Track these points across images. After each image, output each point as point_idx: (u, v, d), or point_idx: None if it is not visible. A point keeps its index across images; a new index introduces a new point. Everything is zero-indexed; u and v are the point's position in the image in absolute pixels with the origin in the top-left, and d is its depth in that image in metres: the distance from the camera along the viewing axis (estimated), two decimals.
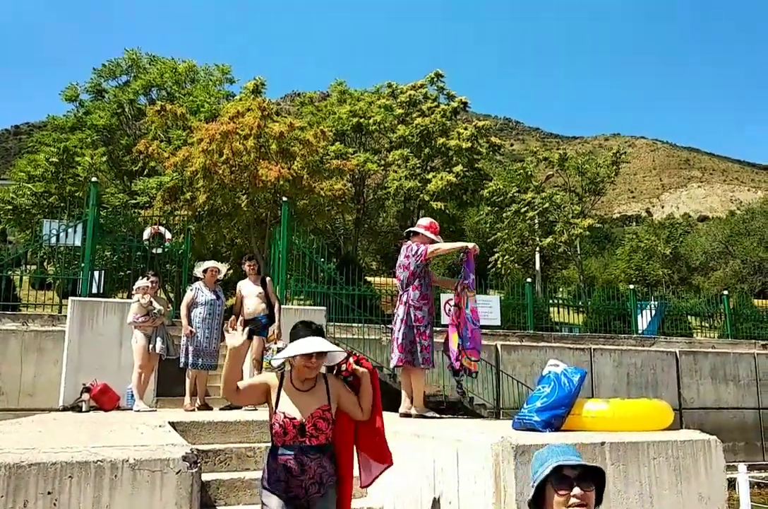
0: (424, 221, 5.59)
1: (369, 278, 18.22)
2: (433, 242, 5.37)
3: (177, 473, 2.53)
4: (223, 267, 7.77)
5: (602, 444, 2.88)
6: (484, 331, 13.98)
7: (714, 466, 3.07)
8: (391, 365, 5.59)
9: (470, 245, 5.16)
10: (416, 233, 5.45)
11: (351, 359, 3.16)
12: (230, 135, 15.71)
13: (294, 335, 3.02)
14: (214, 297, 7.43)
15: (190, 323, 7.25)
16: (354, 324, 12.44)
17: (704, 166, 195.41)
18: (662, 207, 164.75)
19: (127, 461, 2.51)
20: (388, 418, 5.30)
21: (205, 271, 7.51)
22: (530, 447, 2.78)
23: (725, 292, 17.91)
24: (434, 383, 12.45)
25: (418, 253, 5.23)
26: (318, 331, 3.01)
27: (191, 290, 7.50)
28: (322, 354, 2.93)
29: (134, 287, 7.70)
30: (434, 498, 3.32)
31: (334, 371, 3.22)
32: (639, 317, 16.31)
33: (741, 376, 14.62)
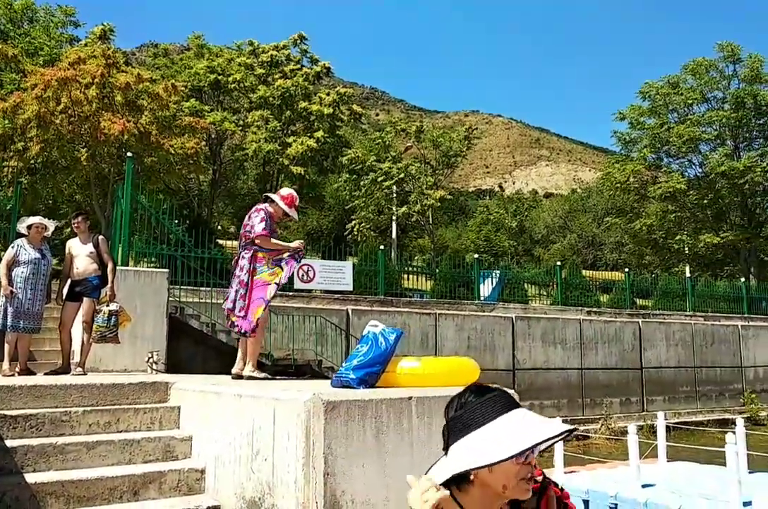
0: (285, 191, 5.52)
1: (221, 242, 17.73)
2: (285, 213, 5.38)
3: None
4: (51, 224, 7.19)
5: (409, 398, 3.04)
6: (335, 296, 14.27)
7: None
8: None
9: (295, 244, 5.34)
10: (272, 200, 5.40)
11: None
12: (69, 82, 14.49)
13: (479, 418, 1.33)
14: (38, 256, 6.89)
15: (10, 282, 6.69)
16: (202, 288, 12.11)
17: (552, 146, 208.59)
18: (513, 183, 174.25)
19: None
20: (219, 379, 5.26)
21: (29, 227, 6.93)
22: (340, 403, 2.87)
23: (558, 263, 19.36)
24: (284, 347, 12.51)
25: (251, 231, 5.22)
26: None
27: (12, 247, 6.91)
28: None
29: None
30: (251, 456, 3.35)
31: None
32: (482, 285, 17.27)
33: (568, 339, 15.94)
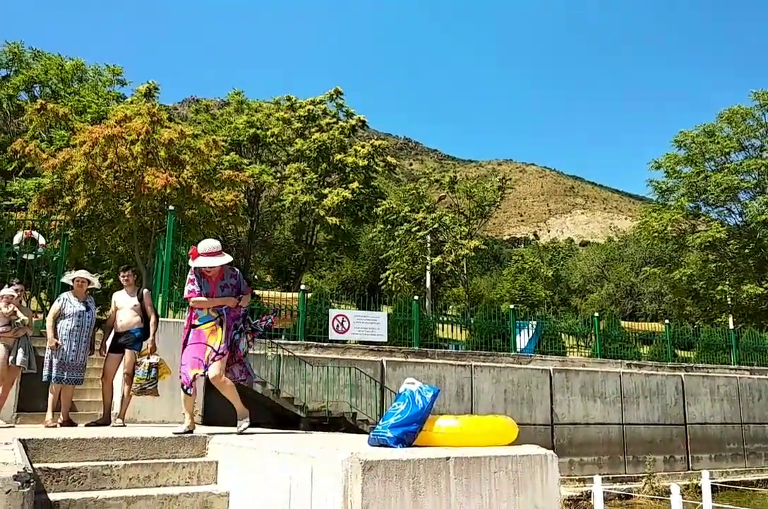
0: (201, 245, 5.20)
1: (258, 292, 17.97)
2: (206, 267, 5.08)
3: (7, 493, 2.42)
4: (94, 278, 7.41)
5: (447, 459, 3.02)
6: (370, 347, 14.24)
7: (549, 479, 3.29)
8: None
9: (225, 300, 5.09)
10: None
11: None
12: (116, 139, 15.17)
13: None
14: (83, 309, 7.10)
15: (55, 335, 6.90)
16: None
17: (587, 194, 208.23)
18: (548, 231, 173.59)
19: None
20: (255, 433, 5.26)
21: (73, 280, 7.18)
22: (378, 463, 2.88)
23: (596, 314, 19.07)
24: (318, 398, 12.47)
25: (187, 289, 5.17)
26: None
27: (58, 300, 7.15)
28: None
29: None
30: None
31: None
32: (518, 336, 17.07)
33: (608, 393, 15.56)
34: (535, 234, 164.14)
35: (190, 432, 4.92)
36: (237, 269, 5.47)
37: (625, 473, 15.03)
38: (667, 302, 40.01)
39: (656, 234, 30.04)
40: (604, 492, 9.14)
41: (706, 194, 29.73)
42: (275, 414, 11.22)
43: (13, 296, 7.23)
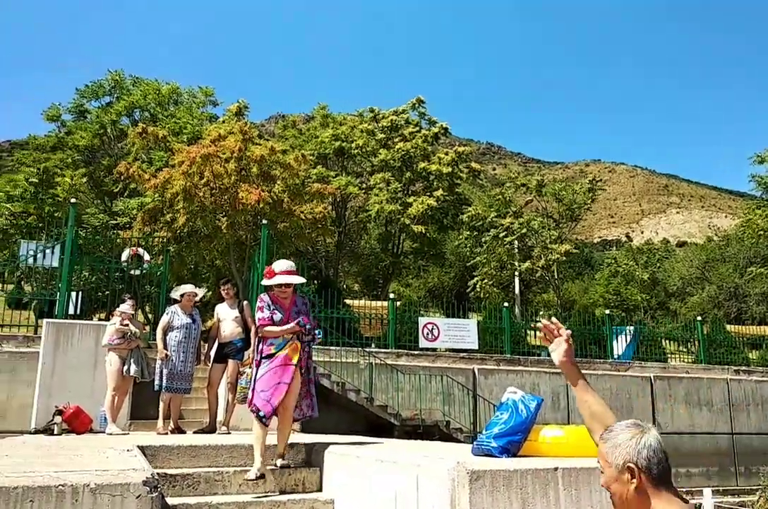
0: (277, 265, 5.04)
1: (348, 301, 18.27)
2: (278, 286, 4.90)
3: (137, 497, 2.59)
4: (201, 291, 7.86)
5: (555, 469, 2.99)
6: (461, 355, 14.15)
7: None
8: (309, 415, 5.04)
9: (290, 326, 4.79)
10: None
11: None
12: (211, 158, 15.86)
13: None
14: (189, 321, 7.48)
15: (165, 346, 7.29)
16: (332, 347, 12.50)
17: (683, 192, 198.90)
18: (642, 232, 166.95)
19: (88, 485, 2.57)
20: (355, 441, 5.31)
21: (182, 295, 7.57)
22: (485, 473, 2.88)
23: (698, 318, 18.17)
24: (411, 406, 12.51)
25: (258, 316, 4.90)
26: None
27: (167, 313, 7.55)
28: None
29: (117, 311, 7.73)
30: None
31: None
32: (614, 342, 16.50)
33: (714, 401, 14.79)
34: (627, 236, 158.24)
35: (263, 477, 4.42)
36: (306, 297, 5.29)
37: (737, 485, 14.23)
38: None
39: (761, 232, 28.32)
40: (714, 505, 8.67)
41: None
42: (369, 422, 11.35)
43: (132, 313, 7.73)
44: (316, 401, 5.00)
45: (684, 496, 1.69)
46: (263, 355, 4.73)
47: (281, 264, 5.00)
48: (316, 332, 5.20)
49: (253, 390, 4.67)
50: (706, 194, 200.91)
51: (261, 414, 4.49)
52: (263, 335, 4.78)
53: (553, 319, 2.21)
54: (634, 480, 1.57)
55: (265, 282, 4.97)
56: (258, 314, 4.83)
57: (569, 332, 2.15)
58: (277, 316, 4.78)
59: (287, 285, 4.87)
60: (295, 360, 4.68)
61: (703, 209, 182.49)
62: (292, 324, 4.75)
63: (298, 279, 4.99)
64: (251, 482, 4.39)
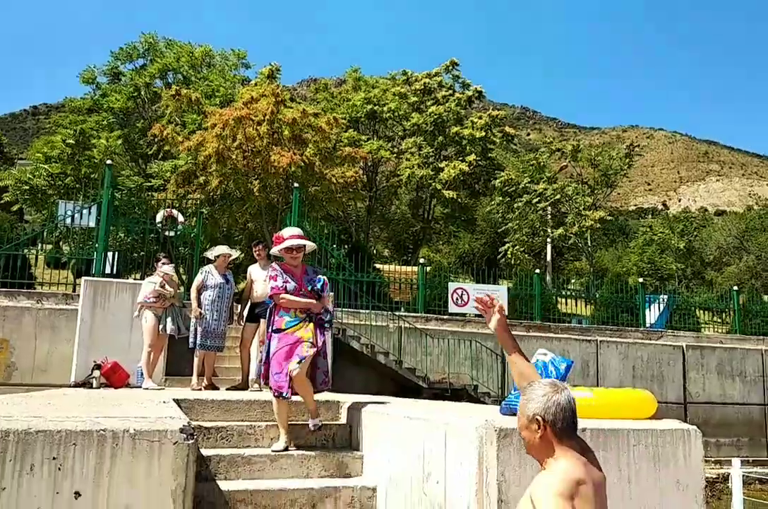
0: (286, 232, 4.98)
1: (378, 266, 18.31)
2: (287, 251, 4.82)
3: (174, 443, 2.68)
4: (235, 253, 7.97)
5: (583, 430, 2.99)
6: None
7: (693, 455, 3.17)
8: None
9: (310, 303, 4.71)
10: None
11: None
12: (244, 121, 15.83)
13: None
14: (223, 281, 7.59)
15: (199, 305, 7.42)
16: (362, 310, 12.61)
17: (723, 159, 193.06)
18: (679, 200, 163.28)
19: (128, 431, 2.67)
20: (385, 400, 5.38)
21: (217, 256, 7.67)
22: (513, 431, 2.90)
23: (735, 288, 17.85)
24: (439, 370, 12.64)
25: (270, 285, 4.78)
26: None
27: (201, 273, 7.67)
28: None
29: (160, 271, 7.85)
30: (423, 478, 3.46)
31: None
32: (647, 310, 16.34)
33: (748, 372, 14.63)
34: (664, 204, 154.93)
35: (287, 449, 4.40)
36: (319, 269, 5.20)
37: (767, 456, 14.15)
38: None
39: None
40: (743, 476, 8.66)
41: None
42: (397, 384, 11.49)
43: (173, 275, 7.89)
44: (329, 374, 4.90)
45: (588, 446, 1.95)
46: (274, 328, 4.68)
47: (290, 230, 4.98)
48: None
49: (267, 364, 4.63)
50: (747, 161, 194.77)
51: (282, 393, 4.44)
52: (280, 304, 4.68)
53: (487, 294, 2.60)
54: (539, 431, 1.84)
55: (274, 249, 4.90)
56: (271, 283, 4.73)
57: (501, 304, 2.57)
58: (291, 285, 4.70)
59: (297, 249, 4.80)
60: (306, 337, 4.59)
61: (743, 177, 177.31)
62: (314, 301, 4.68)
63: (309, 243, 4.95)
64: (277, 453, 4.36)
